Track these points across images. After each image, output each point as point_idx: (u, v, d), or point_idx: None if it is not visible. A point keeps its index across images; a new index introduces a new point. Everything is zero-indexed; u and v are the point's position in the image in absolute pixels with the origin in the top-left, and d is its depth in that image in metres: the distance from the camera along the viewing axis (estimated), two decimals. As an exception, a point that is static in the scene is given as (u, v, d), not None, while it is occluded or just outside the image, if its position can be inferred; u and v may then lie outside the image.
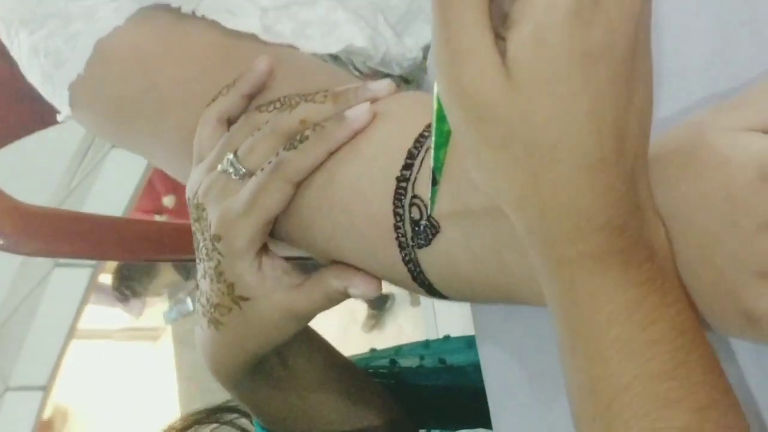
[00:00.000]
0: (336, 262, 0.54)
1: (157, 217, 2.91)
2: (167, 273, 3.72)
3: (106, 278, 3.89)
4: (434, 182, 0.45)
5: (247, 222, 0.52)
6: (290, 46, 0.63)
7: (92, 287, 3.04)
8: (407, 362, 0.77)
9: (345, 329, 3.03)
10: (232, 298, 0.54)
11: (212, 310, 0.56)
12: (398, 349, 0.78)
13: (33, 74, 0.64)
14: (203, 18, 0.62)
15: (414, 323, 2.80)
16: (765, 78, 0.39)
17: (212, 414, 0.71)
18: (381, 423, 0.67)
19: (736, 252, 0.38)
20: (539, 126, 0.35)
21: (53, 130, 0.74)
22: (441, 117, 0.41)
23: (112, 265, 3.66)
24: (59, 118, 0.65)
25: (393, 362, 0.76)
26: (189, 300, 3.56)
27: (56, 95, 0.63)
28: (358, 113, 0.52)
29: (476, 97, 0.35)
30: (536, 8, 0.33)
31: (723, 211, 0.38)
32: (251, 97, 0.57)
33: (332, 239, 0.52)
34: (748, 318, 0.39)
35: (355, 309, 3.12)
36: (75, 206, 2.65)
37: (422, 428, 0.76)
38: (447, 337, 0.80)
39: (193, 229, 0.57)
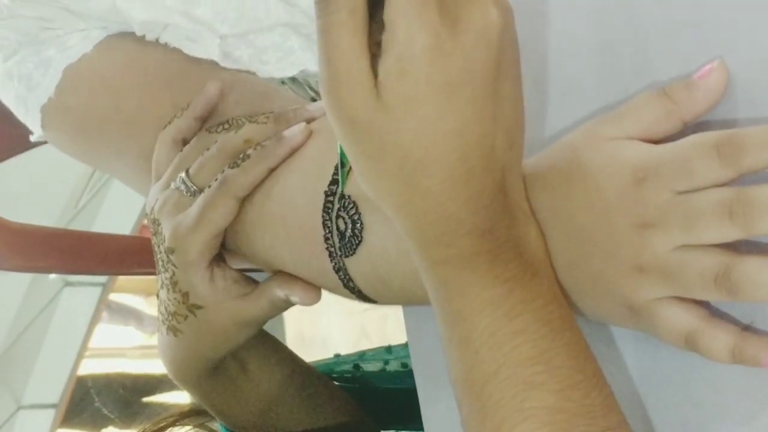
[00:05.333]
0: (279, 272, 0.57)
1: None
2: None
3: (119, 297, 3.92)
4: (342, 165, 0.49)
5: (196, 235, 0.56)
6: (248, 71, 0.67)
7: (102, 306, 3.09)
8: (371, 367, 0.79)
9: (356, 345, 3.06)
10: (186, 307, 0.58)
11: (170, 318, 0.59)
12: (362, 354, 0.81)
13: (7, 97, 0.68)
14: (165, 45, 0.66)
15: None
16: (645, 91, 0.42)
17: (184, 417, 0.74)
18: (342, 423, 0.71)
19: (614, 249, 0.41)
20: (407, 142, 0.38)
21: (58, 151, 0.76)
22: None
23: (123, 284, 3.70)
24: (32, 138, 0.69)
25: (357, 367, 0.79)
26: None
27: (29, 117, 0.68)
28: (295, 132, 0.56)
29: (350, 113, 0.38)
30: (397, 41, 0.36)
31: (601, 212, 0.41)
32: (203, 119, 0.61)
33: (272, 250, 0.56)
34: (630, 308, 0.42)
35: (364, 324, 3.14)
36: (83, 226, 2.70)
37: (388, 429, 0.79)
38: (409, 343, 0.83)
39: (152, 242, 0.61)
